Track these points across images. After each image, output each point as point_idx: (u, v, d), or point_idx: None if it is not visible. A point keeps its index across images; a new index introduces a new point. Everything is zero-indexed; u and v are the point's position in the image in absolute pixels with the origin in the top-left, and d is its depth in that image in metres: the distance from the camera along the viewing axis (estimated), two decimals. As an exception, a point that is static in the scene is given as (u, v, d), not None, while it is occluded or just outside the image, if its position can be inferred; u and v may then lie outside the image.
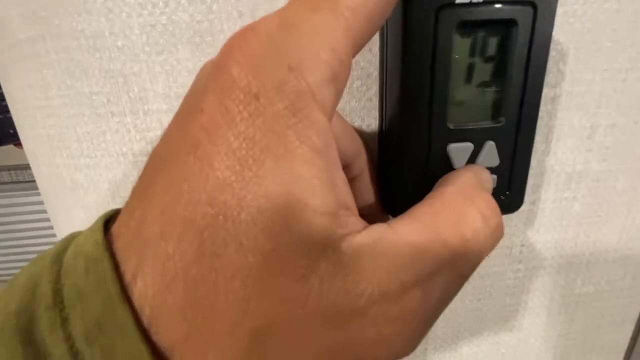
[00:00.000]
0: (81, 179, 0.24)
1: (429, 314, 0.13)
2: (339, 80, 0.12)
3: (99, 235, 0.12)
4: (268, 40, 0.11)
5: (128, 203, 0.13)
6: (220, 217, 0.11)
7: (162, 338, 0.11)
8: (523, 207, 0.24)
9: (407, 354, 0.13)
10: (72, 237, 0.13)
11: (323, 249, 0.11)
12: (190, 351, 0.11)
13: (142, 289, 0.11)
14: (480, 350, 0.29)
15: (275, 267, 0.11)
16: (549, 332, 0.29)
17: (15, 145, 1.00)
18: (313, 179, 0.11)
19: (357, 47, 0.13)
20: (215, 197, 0.11)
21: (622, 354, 0.32)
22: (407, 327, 0.13)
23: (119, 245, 0.12)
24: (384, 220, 0.21)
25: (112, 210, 0.14)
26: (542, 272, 0.27)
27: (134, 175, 0.23)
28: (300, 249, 0.11)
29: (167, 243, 0.11)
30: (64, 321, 0.11)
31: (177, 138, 0.12)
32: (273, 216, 0.11)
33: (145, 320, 0.11)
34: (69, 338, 0.11)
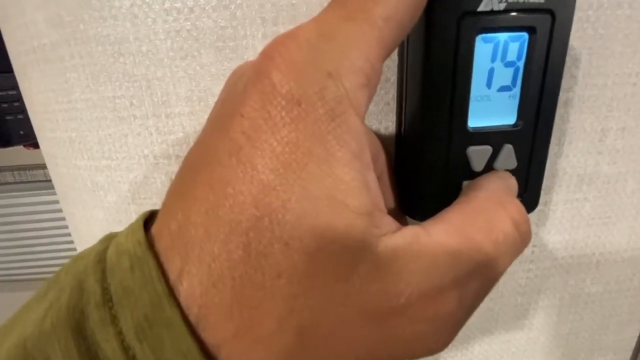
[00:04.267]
0: (102, 180, 0.24)
1: (463, 314, 0.14)
2: (371, 85, 0.13)
3: (140, 235, 0.12)
4: (308, 48, 0.12)
5: (166, 205, 0.13)
6: (266, 218, 0.11)
7: (209, 335, 0.11)
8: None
9: (440, 350, 0.13)
10: (111, 237, 0.14)
11: (362, 248, 0.12)
12: (238, 348, 0.11)
13: (188, 289, 0.11)
14: (491, 349, 0.30)
15: (319, 266, 0.11)
16: (559, 331, 0.30)
17: (24, 146, 0.99)
18: (352, 181, 0.12)
19: (388, 52, 0.13)
20: (260, 200, 0.11)
21: (629, 353, 0.33)
22: (443, 326, 0.13)
23: (162, 247, 0.12)
24: (402, 221, 0.21)
25: (149, 212, 0.14)
26: (552, 272, 0.27)
27: (154, 177, 0.23)
28: (341, 249, 0.11)
29: (213, 244, 0.11)
30: (114, 318, 0.11)
31: (216, 142, 0.12)
32: (316, 217, 0.11)
33: (193, 318, 0.11)
34: (119, 334, 0.11)
